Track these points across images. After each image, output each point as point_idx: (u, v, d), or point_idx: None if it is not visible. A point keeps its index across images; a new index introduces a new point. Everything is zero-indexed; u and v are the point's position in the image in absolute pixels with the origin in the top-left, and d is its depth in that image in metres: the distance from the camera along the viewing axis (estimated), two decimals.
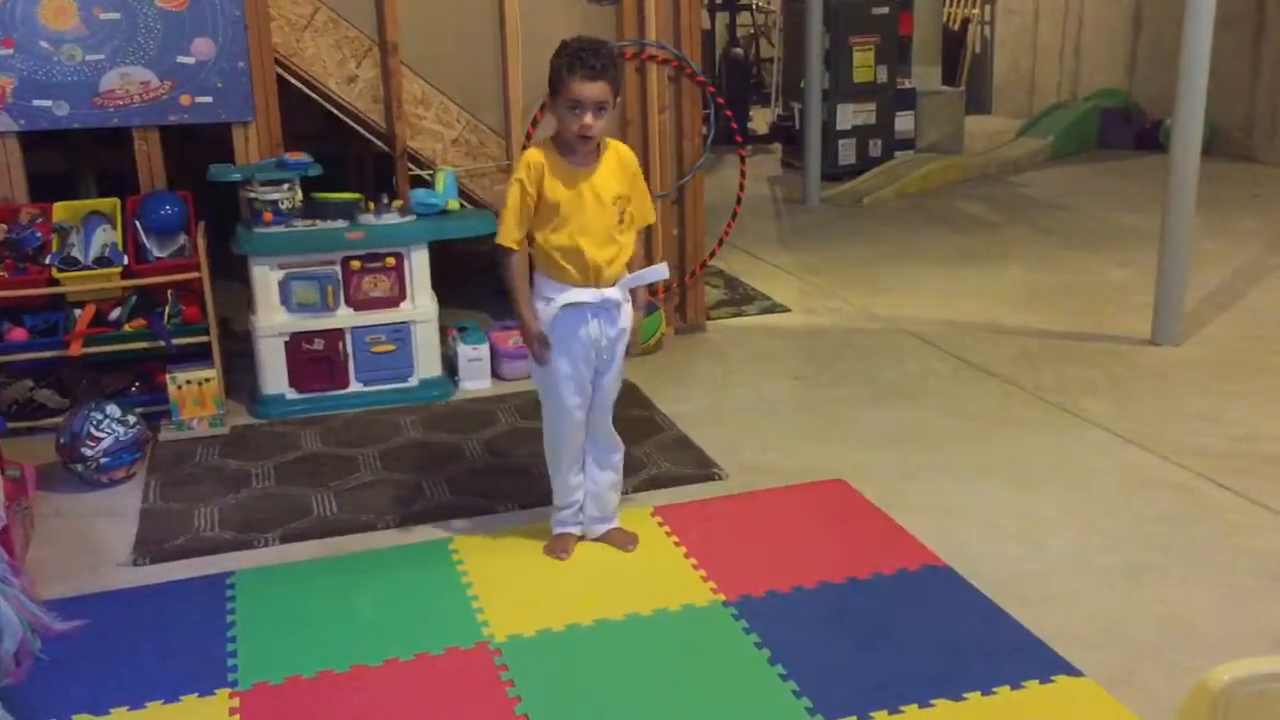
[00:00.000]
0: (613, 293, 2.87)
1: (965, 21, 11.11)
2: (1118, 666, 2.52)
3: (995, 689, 2.43)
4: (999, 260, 6.00)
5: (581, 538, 3.07)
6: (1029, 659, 2.54)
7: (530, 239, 2.88)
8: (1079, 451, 3.65)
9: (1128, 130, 9.24)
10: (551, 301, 2.86)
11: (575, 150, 2.80)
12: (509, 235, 2.84)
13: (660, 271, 3.00)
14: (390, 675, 2.52)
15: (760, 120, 10.24)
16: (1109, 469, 3.52)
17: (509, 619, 2.71)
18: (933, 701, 2.39)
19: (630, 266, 2.93)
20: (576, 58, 2.70)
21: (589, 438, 3.01)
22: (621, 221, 2.86)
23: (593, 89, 2.70)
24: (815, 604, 2.78)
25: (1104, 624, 2.69)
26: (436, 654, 2.59)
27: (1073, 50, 10.37)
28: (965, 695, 2.41)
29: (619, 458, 3.07)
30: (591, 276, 2.83)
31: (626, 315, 2.94)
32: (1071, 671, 2.48)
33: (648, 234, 4.70)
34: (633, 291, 2.94)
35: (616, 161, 2.86)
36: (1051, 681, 2.46)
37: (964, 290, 5.46)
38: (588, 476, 3.04)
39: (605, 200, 2.82)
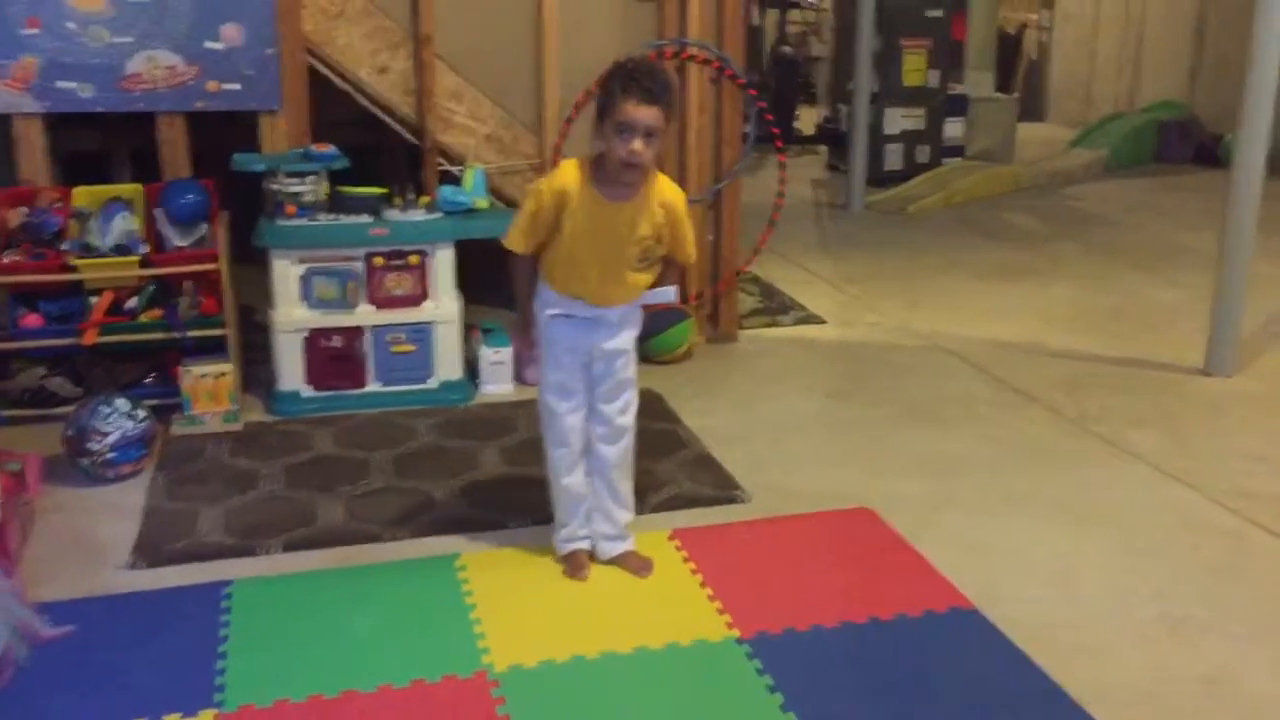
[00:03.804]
0: (609, 313, 2.75)
1: (1022, 27, 10.86)
2: None
3: None
4: (1046, 277, 5.80)
5: (593, 554, 2.94)
6: (1058, 718, 2.38)
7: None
8: (1122, 488, 3.48)
9: (1186, 144, 8.98)
10: (546, 308, 2.76)
11: (616, 180, 2.62)
12: (514, 241, 2.73)
13: (667, 294, 2.88)
14: (382, 703, 2.40)
15: (807, 120, 10.06)
16: (1153, 509, 3.35)
17: (511, 646, 2.59)
18: None
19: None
20: (631, 78, 2.53)
21: (602, 463, 2.88)
22: (643, 261, 2.71)
23: (646, 113, 2.52)
24: (834, 645, 2.63)
25: (1141, 682, 2.52)
26: (433, 682, 2.46)
27: (1132, 59, 10.10)
28: None
29: (625, 517, 2.94)
30: (590, 302, 2.73)
31: (624, 338, 2.80)
32: None
33: None
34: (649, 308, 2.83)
35: (657, 199, 2.68)
36: None
37: (1008, 307, 5.28)
38: (594, 499, 2.92)
39: (628, 239, 2.66)
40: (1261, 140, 4.18)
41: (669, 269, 2.85)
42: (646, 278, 2.76)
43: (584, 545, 2.94)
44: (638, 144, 2.54)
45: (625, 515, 2.95)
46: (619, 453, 2.89)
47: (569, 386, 2.80)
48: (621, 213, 2.65)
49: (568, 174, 2.65)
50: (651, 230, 2.68)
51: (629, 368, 2.84)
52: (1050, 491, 3.44)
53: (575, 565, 2.91)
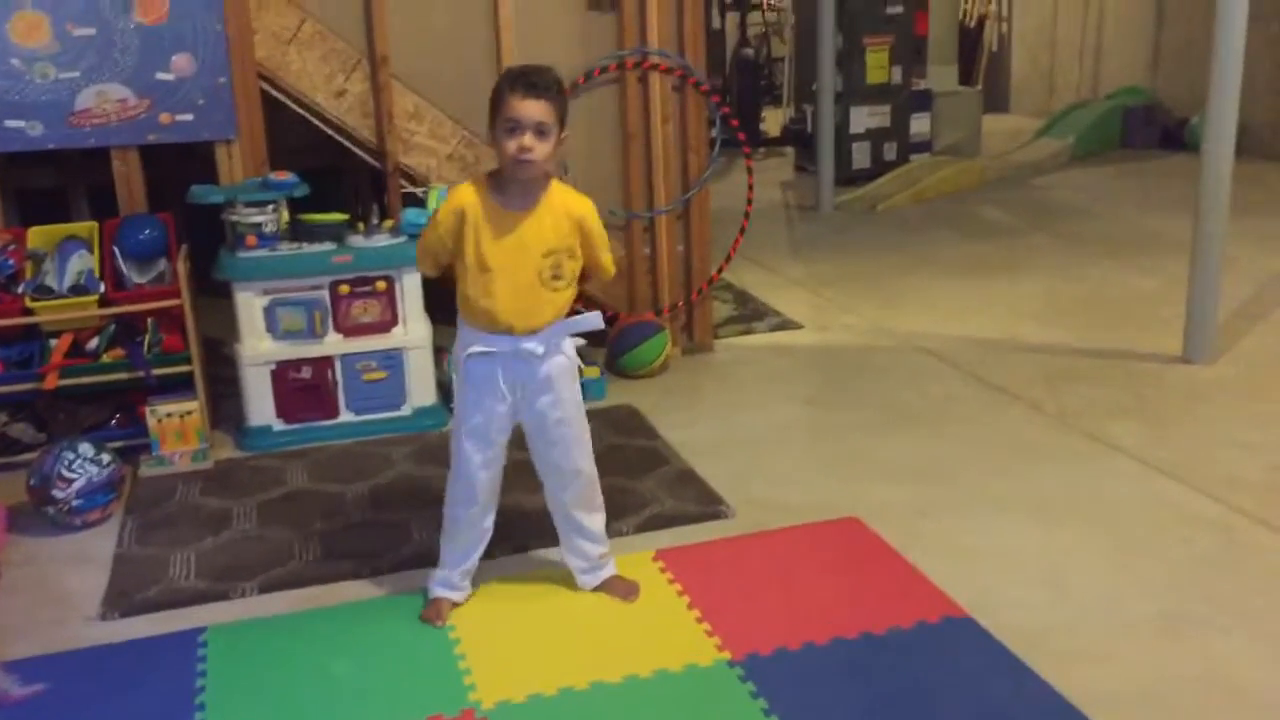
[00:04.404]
0: (531, 344, 2.62)
1: (982, 18, 10.87)
2: None
3: None
4: (1019, 270, 5.78)
5: (456, 605, 2.81)
6: None
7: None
8: (1107, 483, 3.44)
9: (1152, 129, 9.00)
10: (464, 349, 2.65)
11: (511, 185, 2.54)
12: (420, 262, 2.74)
13: (592, 320, 2.69)
14: None
15: (772, 122, 10.03)
16: (1140, 503, 3.31)
17: (498, 682, 2.52)
18: None
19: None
20: (517, 75, 2.49)
21: (558, 503, 2.81)
22: (557, 278, 2.60)
23: (533, 108, 2.45)
24: (827, 663, 2.57)
25: (1140, 684, 2.48)
26: None
27: (1093, 47, 10.13)
28: None
29: (596, 550, 2.86)
30: (500, 329, 2.61)
31: (555, 365, 2.66)
32: None
33: (651, 249, 4.51)
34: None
35: (561, 208, 2.59)
36: None
37: (982, 303, 5.25)
38: (561, 535, 2.86)
39: (532, 252, 2.56)
40: (1230, 123, 4.14)
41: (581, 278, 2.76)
42: (564, 296, 2.64)
43: (455, 597, 2.81)
44: (527, 138, 2.46)
45: (597, 548, 2.86)
46: (576, 495, 2.79)
47: (486, 435, 2.68)
48: (524, 222, 2.56)
49: (462, 192, 2.59)
50: (559, 242, 2.58)
51: (562, 408, 2.69)
52: (1036, 491, 3.40)
53: (435, 612, 2.76)
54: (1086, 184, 7.87)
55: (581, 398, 2.77)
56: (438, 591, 2.81)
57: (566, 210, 2.60)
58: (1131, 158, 8.68)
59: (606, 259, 2.74)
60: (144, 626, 2.81)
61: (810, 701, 2.44)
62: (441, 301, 4.09)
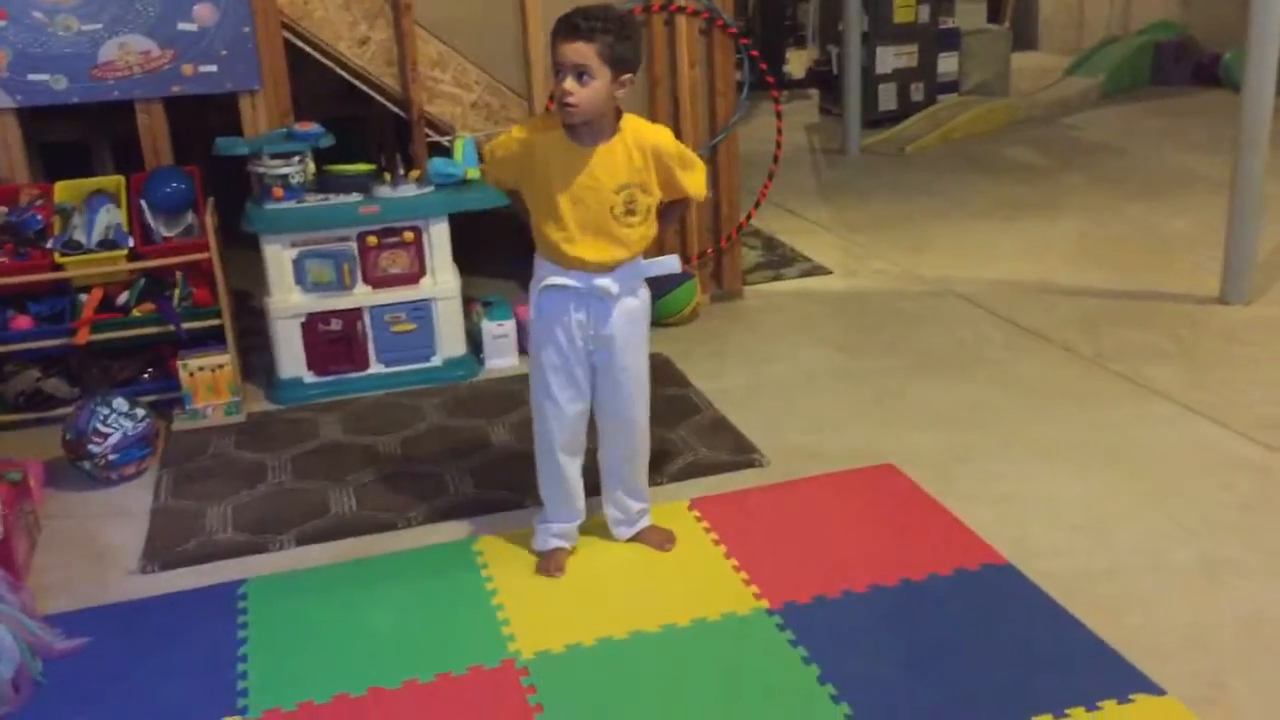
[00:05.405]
0: (604, 281, 2.57)
1: None
2: (1202, 681, 2.30)
3: (1068, 711, 2.21)
4: (1051, 211, 5.69)
5: (573, 551, 2.82)
6: (1104, 674, 2.32)
7: None
8: (1146, 427, 3.40)
9: (1184, 65, 8.80)
10: (539, 281, 2.62)
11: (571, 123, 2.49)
12: (484, 170, 2.70)
13: (670, 264, 2.66)
14: (410, 699, 2.34)
15: (797, 64, 9.87)
16: (1179, 447, 3.27)
17: (536, 632, 2.53)
18: None
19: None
20: (563, 17, 2.42)
21: (607, 452, 2.78)
22: (631, 213, 2.54)
23: (571, 49, 2.38)
24: (867, 611, 2.57)
25: (1184, 630, 2.46)
26: (459, 674, 2.40)
27: None
28: (1035, 719, 2.20)
29: (637, 507, 2.84)
30: (573, 265, 2.56)
31: (627, 308, 2.61)
32: (1152, 689, 2.26)
33: None
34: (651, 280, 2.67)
35: (634, 140, 2.51)
36: (1130, 701, 2.23)
37: (1015, 246, 5.17)
38: (604, 486, 2.83)
39: (603, 188, 2.50)
40: (1271, 57, 4.03)
41: (671, 210, 2.70)
42: (640, 232, 2.57)
43: (566, 545, 2.81)
44: (568, 82, 2.40)
45: (636, 504, 2.85)
46: (628, 447, 2.76)
47: (571, 375, 2.65)
48: (595, 156, 2.50)
49: (535, 122, 2.58)
50: (632, 177, 2.52)
51: (630, 354, 2.65)
52: (1073, 435, 3.36)
53: (552, 563, 2.76)
54: (1118, 122, 7.73)
55: (648, 348, 2.73)
56: (552, 543, 2.79)
57: (639, 141, 2.52)
58: (1163, 95, 8.50)
59: (690, 180, 2.62)
60: (184, 579, 2.83)
61: (849, 649, 2.43)
62: (469, 252, 4.08)
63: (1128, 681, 2.29)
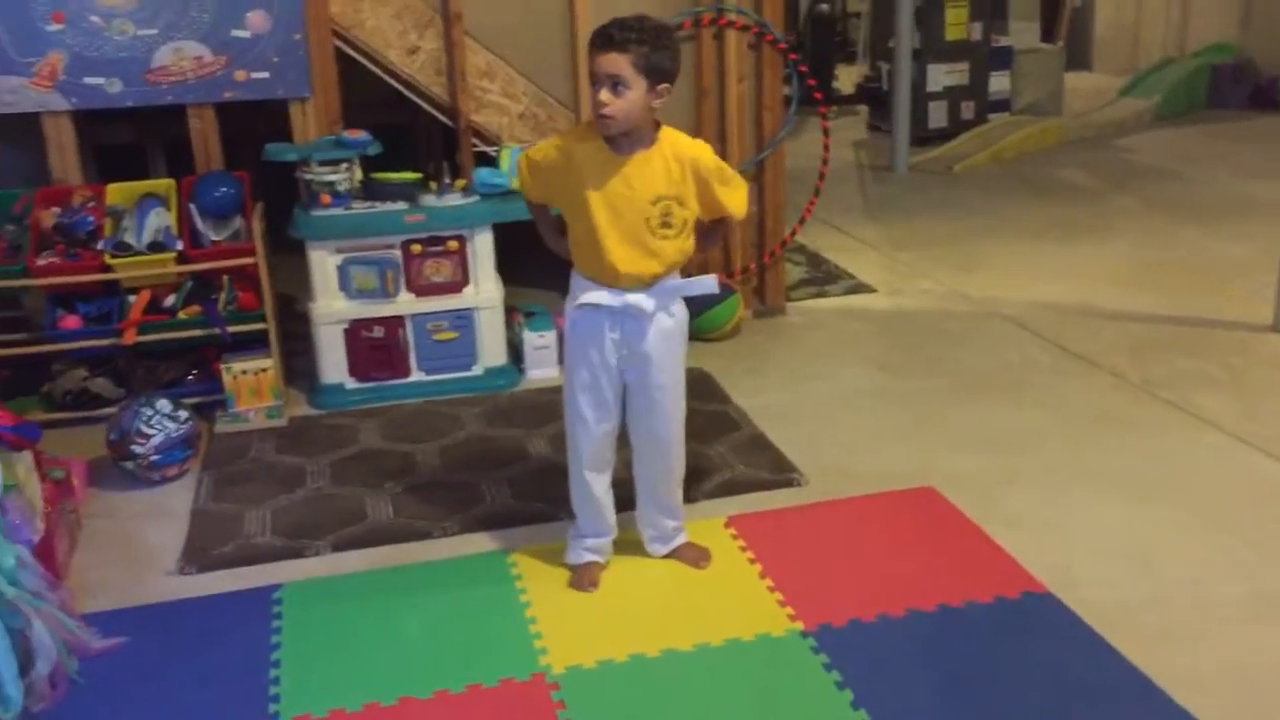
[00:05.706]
0: (638, 298, 2.55)
1: None
2: (1244, 718, 2.24)
3: None
4: (1102, 234, 5.61)
5: (607, 566, 2.81)
6: (1143, 707, 2.27)
7: None
8: (1195, 457, 3.34)
9: (1241, 88, 8.66)
10: (573, 299, 2.61)
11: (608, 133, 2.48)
12: (521, 183, 2.69)
13: (708, 284, 2.62)
14: (439, 710, 2.34)
15: (846, 79, 9.83)
16: (1230, 478, 3.20)
17: (569, 647, 2.51)
18: None
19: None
20: (599, 28, 2.42)
21: (642, 471, 2.77)
22: (667, 226, 2.51)
23: (605, 60, 2.38)
24: (903, 636, 2.53)
25: (1230, 667, 2.40)
26: (490, 686, 2.40)
27: (1180, 2, 9.75)
28: None
29: (671, 525, 2.83)
30: (608, 278, 2.54)
31: (662, 326, 2.59)
32: None
33: None
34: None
35: (672, 153, 2.49)
36: None
37: (1064, 268, 5.10)
38: (639, 504, 2.82)
39: (639, 198, 2.48)
40: None
41: (713, 229, 2.69)
42: (674, 246, 2.55)
43: (599, 559, 2.80)
44: (603, 94, 2.39)
45: (671, 522, 2.83)
46: (663, 467, 2.74)
47: (593, 390, 2.62)
48: (632, 165, 2.48)
49: (574, 131, 2.58)
50: (669, 189, 2.50)
51: (665, 373, 2.62)
52: (1119, 463, 3.30)
53: (586, 578, 2.75)
54: (1172, 145, 7.62)
55: (684, 367, 2.70)
56: (585, 557, 2.78)
57: (677, 154, 2.51)
58: (1219, 118, 8.37)
59: (731, 197, 2.58)
60: (221, 582, 2.84)
61: (885, 675, 2.40)
62: (513, 262, 4.09)
63: (1167, 716, 2.24)
